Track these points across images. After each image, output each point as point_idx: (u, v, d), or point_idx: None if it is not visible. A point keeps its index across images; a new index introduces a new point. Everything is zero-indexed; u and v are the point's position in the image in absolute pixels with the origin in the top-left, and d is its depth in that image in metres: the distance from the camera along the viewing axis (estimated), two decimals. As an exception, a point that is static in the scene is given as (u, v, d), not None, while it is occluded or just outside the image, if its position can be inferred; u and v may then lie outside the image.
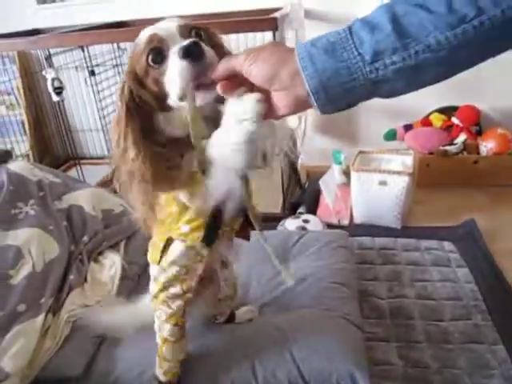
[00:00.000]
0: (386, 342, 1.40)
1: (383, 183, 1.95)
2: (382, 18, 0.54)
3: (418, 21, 0.53)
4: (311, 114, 2.56)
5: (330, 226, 2.04)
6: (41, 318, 1.25)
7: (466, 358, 1.34)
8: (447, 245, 1.90)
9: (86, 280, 1.45)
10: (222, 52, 0.77)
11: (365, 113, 2.72)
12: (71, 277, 1.40)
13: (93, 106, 2.89)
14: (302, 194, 2.30)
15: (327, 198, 2.13)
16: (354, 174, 2.00)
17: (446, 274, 1.71)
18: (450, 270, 1.73)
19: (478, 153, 2.44)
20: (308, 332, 1.23)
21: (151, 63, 0.73)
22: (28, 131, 2.90)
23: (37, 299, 1.29)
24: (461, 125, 2.53)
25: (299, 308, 1.33)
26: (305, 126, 2.48)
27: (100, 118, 2.55)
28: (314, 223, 1.96)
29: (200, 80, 0.69)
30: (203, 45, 0.69)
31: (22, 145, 2.86)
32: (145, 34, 0.75)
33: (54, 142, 3.13)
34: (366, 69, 0.54)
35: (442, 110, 2.62)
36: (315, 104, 0.58)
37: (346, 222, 2.08)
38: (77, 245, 1.54)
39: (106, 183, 2.39)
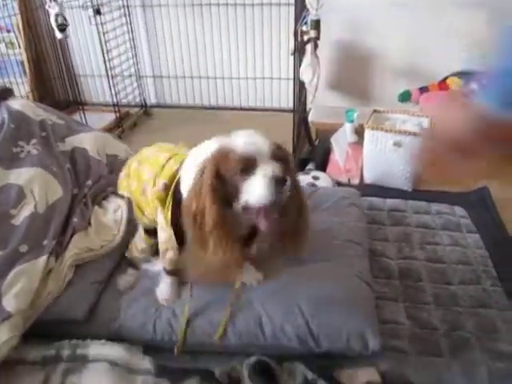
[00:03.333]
0: (395, 302, 1.37)
1: (398, 144, 1.88)
2: None
3: None
4: (325, 70, 2.46)
5: (339, 184, 1.99)
6: (43, 259, 1.21)
7: (475, 322, 1.31)
8: (458, 210, 1.85)
9: (90, 224, 1.40)
10: (288, 169, 0.95)
11: (380, 72, 2.62)
12: (75, 220, 1.35)
13: (96, 49, 2.78)
14: (311, 151, 2.23)
15: (338, 156, 2.07)
16: (367, 133, 1.93)
17: (456, 239, 1.67)
18: (460, 235, 1.69)
19: (494, 120, 2.36)
20: (318, 287, 1.20)
21: (239, 172, 0.90)
22: (28, 72, 2.78)
23: (39, 240, 1.25)
24: (478, 89, 2.44)
25: (310, 263, 1.29)
26: (317, 81, 2.38)
27: (105, 61, 2.44)
28: (324, 180, 1.90)
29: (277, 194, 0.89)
30: (288, 179, 0.88)
31: (21, 87, 2.74)
32: (240, 148, 0.91)
33: (55, 86, 3.02)
34: None
35: (459, 74, 2.53)
36: None
37: (355, 181, 2.03)
38: (80, 188, 1.49)
39: (111, 130, 2.32)
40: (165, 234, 1.12)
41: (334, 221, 1.48)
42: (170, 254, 1.16)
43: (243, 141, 0.92)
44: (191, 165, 1.00)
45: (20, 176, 1.34)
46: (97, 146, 1.65)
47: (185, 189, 1.01)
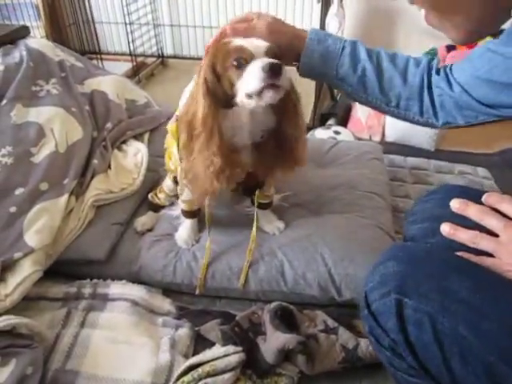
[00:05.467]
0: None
1: (423, 100, 1.82)
2: (363, 64, 0.89)
3: (372, 86, 0.90)
4: (349, 24, 2.37)
5: (360, 140, 1.94)
6: (64, 198, 1.20)
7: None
8: (481, 171, 1.81)
9: (109, 167, 1.38)
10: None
11: (405, 29, 2.51)
12: (95, 161, 1.33)
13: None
14: (333, 106, 2.17)
15: (360, 113, 2.01)
16: (393, 88, 1.87)
17: (479, 199, 1.64)
18: (483, 196, 1.66)
19: (523, 81, 2.28)
20: (341, 237, 1.18)
21: (234, 64, 0.88)
22: (43, 16, 2.71)
23: (60, 179, 1.23)
24: (509, 48, 2.34)
25: (331, 213, 1.27)
26: (342, 35, 2.30)
27: (122, 6, 2.36)
28: (346, 135, 1.86)
29: (274, 82, 0.86)
30: (283, 67, 0.86)
31: (36, 31, 2.67)
32: (237, 42, 0.89)
33: (70, 32, 2.94)
34: (334, 79, 0.91)
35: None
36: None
37: (377, 138, 1.98)
38: (100, 131, 1.46)
39: (129, 78, 2.26)
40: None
41: (354, 173, 1.45)
42: (185, 193, 1.14)
43: (241, 40, 0.90)
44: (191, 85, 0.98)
45: (40, 114, 1.32)
46: (116, 90, 1.61)
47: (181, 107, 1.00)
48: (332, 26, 2.07)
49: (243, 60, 0.87)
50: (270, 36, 0.89)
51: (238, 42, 0.89)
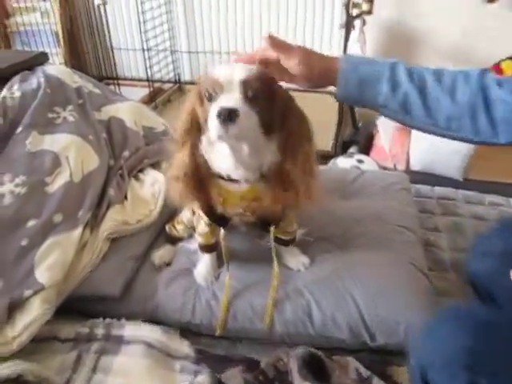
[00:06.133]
0: (451, 298, 1.26)
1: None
2: (404, 88, 0.82)
3: (416, 110, 0.82)
4: (370, 51, 2.33)
5: (384, 169, 1.87)
6: (78, 231, 1.14)
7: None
8: (514, 202, 1.72)
9: (126, 198, 1.32)
10: (280, 100, 0.91)
11: (426, 56, 2.46)
12: (111, 191, 1.27)
13: (132, 21, 2.71)
14: (355, 133, 2.11)
15: (383, 140, 1.94)
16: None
17: (513, 232, 1.54)
18: (517, 229, 1.57)
19: (552, 107, 2.20)
20: (371, 275, 1.10)
21: (206, 95, 0.87)
22: (62, 43, 2.72)
23: (74, 211, 1.18)
24: (536, 75, 2.27)
25: (360, 248, 1.19)
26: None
27: (140, 33, 2.36)
28: (369, 164, 1.79)
29: (226, 130, 0.82)
30: (240, 111, 0.82)
31: (55, 57, 2.69)
32: (217, 73, 0.87)
33: (88, 58, 2.95)
34: (374, 105, 0.86)
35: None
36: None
37: (401, 167, 1.91)
38: (117, 160, 1.41)
39: (145, 104, 2.23)
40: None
41: (382, 205, 1.37)
42: (202, 226, 1.09)
43: (224, 68, 0.88)
44: None
45: (55, 142, 1.27)
46: (133, 117, 1.57)
47: None
48: (353, 52, 2.02)
49: (213, 92, 0.86)
50: (301, 67, 0.86)
51: (218, 71, 0.87)
